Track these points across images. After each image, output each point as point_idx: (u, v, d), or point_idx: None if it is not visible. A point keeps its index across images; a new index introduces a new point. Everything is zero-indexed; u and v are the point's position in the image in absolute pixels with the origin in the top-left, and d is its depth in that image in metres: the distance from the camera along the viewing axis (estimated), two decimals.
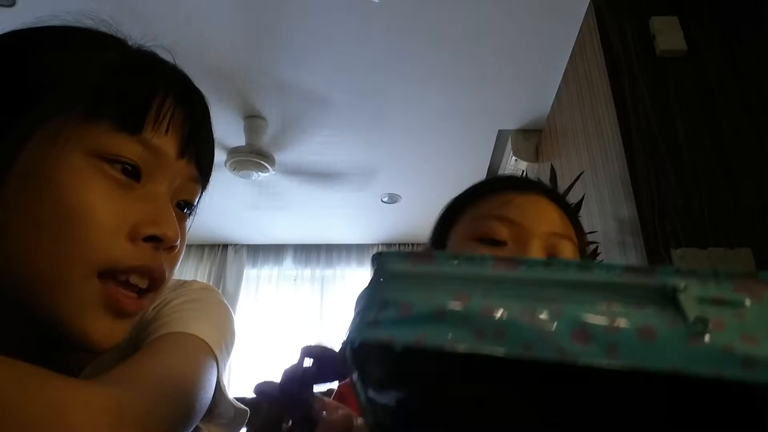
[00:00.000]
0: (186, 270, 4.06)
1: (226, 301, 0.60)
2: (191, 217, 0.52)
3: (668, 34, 1.73)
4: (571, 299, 0.24)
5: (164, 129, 0.43)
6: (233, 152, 2.81)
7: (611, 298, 0.24)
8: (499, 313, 0.23)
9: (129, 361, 0.42)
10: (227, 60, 2.32)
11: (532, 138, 2.73)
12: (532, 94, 2.49)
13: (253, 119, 2.72)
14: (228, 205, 3.58)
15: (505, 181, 0.71)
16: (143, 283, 0.43)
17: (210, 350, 0.49)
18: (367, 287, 0.28)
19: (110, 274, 0.40)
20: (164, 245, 0.43)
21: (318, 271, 4.19)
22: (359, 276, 4.16)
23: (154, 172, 0.43)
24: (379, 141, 2.93)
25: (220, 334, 0.52)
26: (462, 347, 0.23)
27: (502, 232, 0.62)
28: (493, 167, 3.10)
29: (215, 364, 0.50)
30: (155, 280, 0.44)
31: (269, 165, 2.87)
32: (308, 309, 4.03)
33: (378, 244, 4.22)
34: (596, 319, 0.23)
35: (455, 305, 0.24)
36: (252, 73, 2.42)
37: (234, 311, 3.13)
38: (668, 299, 0.23)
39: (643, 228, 1.50)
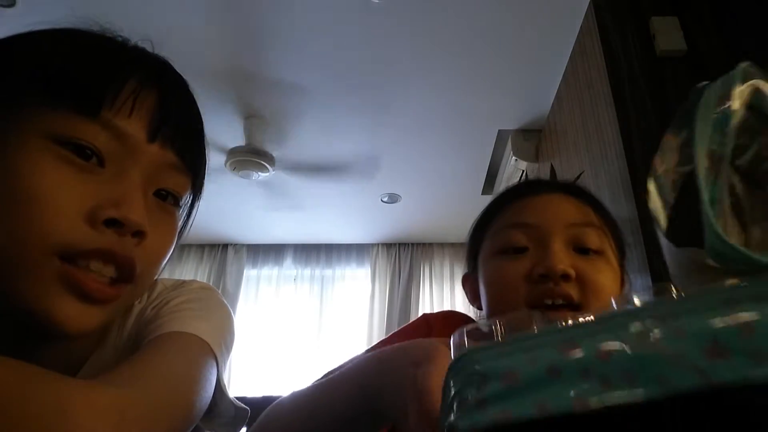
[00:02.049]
0: (186, 270, 4.06)
1: (225, 301, 0.60)
2: (184, 211, 0.51)
3: (668, 34, 1.73)
4: (687, 312, 0.20)
5: (128, 111, 0.42)
6: (233, 152, 2.81)
7: (731, 301, 0.20)
8: (617, 351, 0.20)
9: (129, 361, 0.42)
10: (226, 60, 2.32)
11: (532, 138, 2.72)
12: (532, 94, 2.49)
13: (252, 119, 2.72)
14: (228, 205, 3.58)
15: (515, 190, 0.70)
16: (108, 271, 0.41)
17: (210, 350, 0.49)
18: (451, 372, 0.24)
19: (71, 257, 0.40)
20: (127, 230, 0.41)
21: (318, 271, 4.19)
22: (359, 276, 4.16)
23: (120, 157, 0.42)
24: (379, 141, 2.93)
25: (219, 333, 0.52)
26: (593, 402, 0.19)
27: (521, 238, 0.61)
28: (493, 167, 3.10)
29: (215, 364, 0.50)
30: (123, 269, 0.42)
31: (269, 165, 2.87)
32: (308, 309, 4.03)
33: (378, 244, 4.22)
34: (727, 324, 0.19)
35: (567, 357, 0.21)
36: (251, 74, 2.42)
37: (234, 311, 3.13)
38: None
39: (643, 228, 1.50)
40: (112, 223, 0.41)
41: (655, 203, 0.35)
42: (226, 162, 2.84)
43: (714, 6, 1.81)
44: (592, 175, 1.92)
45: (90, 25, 0.48)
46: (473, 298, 0.71)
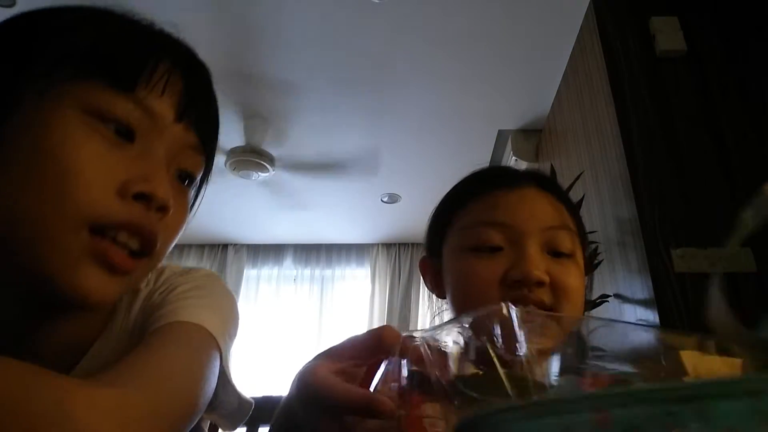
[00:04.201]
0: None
1: (229, 288, 0.60)
2: (193, 192, 0.52)
3: (668, 34, 1.73)
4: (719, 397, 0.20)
5: (159, 91, 0.44)
6: (233, 152, 2.81)
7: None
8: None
9: (133, 356, 0.42)
10: (226, 60, 2.32)
11: (532, 138, 2.73)
12: (532, 94, 2.49)
13: (252, 119, 2.72)
14: (228, 205, 3.58)
15: (488, 180, 0.67)
16: (134, 243, 0.42)
17: (214, 341, 0.49)
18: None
19: (100, 229, 0.40)
20: (154, 204, 0.42)
21: (318, 271, 4.19)
22: (359, 276, 4.16)
23: (149, 134, 0.44)
24: (379, 141, 2.93)
25: (224, 322, 0.52)
26: None
27: (495, 237, 0.59)
28: None
29: (219, 355, 0.50)
30: (147, 241, 0.43)
31: (269, 165, 2.87)
32: (308, 309, 4.03)
33: (378, 244, 4.22)
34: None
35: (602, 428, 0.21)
36: (251, 73, 2.42)
37: None
38: None
39: (643, 228, 1.50)
40: (141, 197, 0.42)
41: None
42: (226, 162, 2.84)
43: (714, 6, 1.81)
44: (592, 175, 1.92)
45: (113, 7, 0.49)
46: (434, 286, 0.69)
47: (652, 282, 1.43)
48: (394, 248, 4.20)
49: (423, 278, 0.72)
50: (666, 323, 1.38)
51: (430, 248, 0.70)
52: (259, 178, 2.97)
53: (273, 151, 2.91)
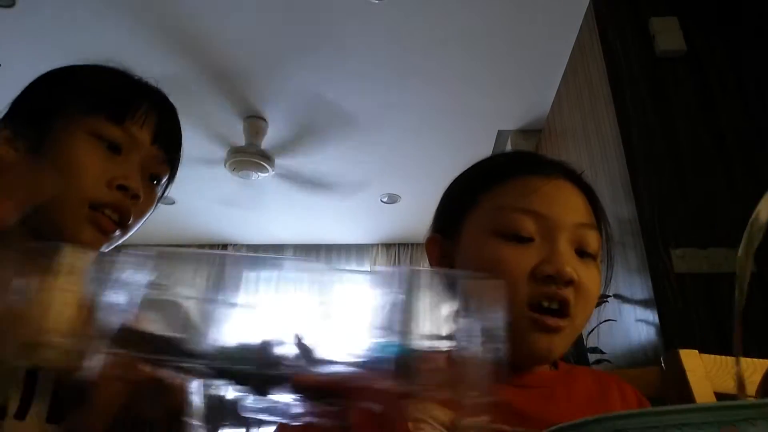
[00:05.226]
0: (186, 269, 4.05)
1: None
2: (161, 189, 0.74)
3: (668, 35, 1.73)
4: None
5: (140, 123, 0.67)
6: (233, 153, 2.81)
7: None
8: None
9: None
10: (229, 60, 2.32)
11: (531, 138, 2.73)
12: (532, 94, 2.49)
13: (252, 120, 2.72)
14: (228, 206, 3.58)
15: (525, 165, 0.64)
16: (115, 217, 0.65)
17: None
18: None
19: (95, 206, 0.63)
20: (130, 193, 0.65)
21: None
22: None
23: (131, 151, 0.67)
24: (379, 141, 2.93)
25: None
26: None
27: (528, 226, 0.56)
28: None
29: None
30: (124, 217, 0.65)
31: (269, 165, 2.87)
32: (308, 309, 4.03)
33: (378, 244, 4.22)
34: None
35: None
36: (252, 74, 2.42)
37: None
38: None
39: (643, 228, 1.50)
40: (122, 188, 0.64)
41: None
42: (226, 162, 2.84)
43: (714, 6, 1.81)
44: (592, 175, 1.92)
45: (115, 64, 0.72)
46: (441, 267, 0.65)
47: (652, 282, 1.43)
48: (393, 248, 4.20)
49: (429, 258, 0.67)
50: (666, 323, 1.38)
51: (443, 228, 0.65)
52: (259, 178, 2.97)
53: (273, 152, 2.91)
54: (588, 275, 0.57)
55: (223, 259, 0.43)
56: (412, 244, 4.19)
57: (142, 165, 0.68)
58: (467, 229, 0.61)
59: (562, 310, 0.55)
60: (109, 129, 0.65)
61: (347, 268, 0.56)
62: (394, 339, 0.35)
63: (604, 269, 0.64)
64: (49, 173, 0.64)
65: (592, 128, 1.94)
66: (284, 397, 0.35)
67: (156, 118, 0.69)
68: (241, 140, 2.80)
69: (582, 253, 0.58)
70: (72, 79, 0.71)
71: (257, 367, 0.35)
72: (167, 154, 0.72)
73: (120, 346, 0.36)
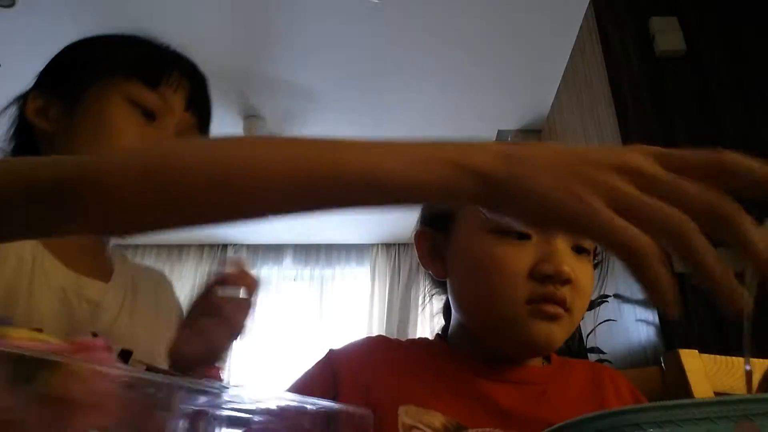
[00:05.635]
0: (186, 269, 4.06)
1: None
2: None
3: (668, 34, 1.73)
4: None
5: (173, 89, 0.68)
6: None
7: None
8: None
9: None
10: (226, 60, 2.32)
11: (531, 138, 2.73)
12: (532, 94, 2.49)
13: (252, 119, 2.73)
14: None
15: None
16: None
17: None
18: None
19: None
20: None
21: (317, 271, 4.19)
22: (359, 276, 4.16)
23: (165, 117, 0.67)
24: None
25: None
26: None
27: None
28: None
29: None
30: None
31: None
32: (308, 309, 4.03)
33: (378, 244, 4.22)
34: None
35: None
36: (250, 73, 2.42)
37: None
38: None
39: None
40: None
41: None
42: None
43: (714, 6, 1.81)
44: None
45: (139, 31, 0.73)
46: (430, 262, 0.64)
47: None
48: (393, 248, 4.20)
49: (418, 254, 0.66)
50: (666, 323, 1.38)
51: (433, 221, 0.64)
52: None
53: None
54: (584, 272, 0.57)
55: None
56: (412, 245, 4.18)
57: (176, 131, 0.69)
58: (460, 224, 0.60)
59: (560, 306, 0.55)
60: (144, 94, 0.65)
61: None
62: None
63: (605, 269, 0.63)
64: (85, 140, 0.65)
65: (592, 128, 1.94)
66: None
67: (189, 84, 0.70)
68: None
69: (579, 249, 0.57)
70: (105, 46, 0.70)
71: None
72: (199, 119, 0.73)
73: None
